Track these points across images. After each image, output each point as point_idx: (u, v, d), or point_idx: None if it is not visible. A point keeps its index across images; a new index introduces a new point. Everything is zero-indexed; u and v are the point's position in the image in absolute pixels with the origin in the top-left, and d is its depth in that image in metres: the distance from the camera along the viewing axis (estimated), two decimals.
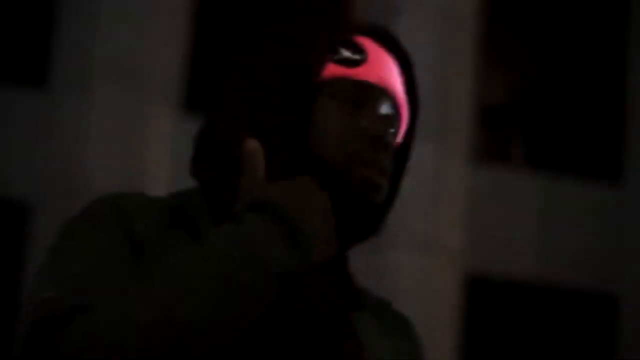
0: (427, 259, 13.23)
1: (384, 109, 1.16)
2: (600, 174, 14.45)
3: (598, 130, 14.63)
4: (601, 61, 14.87)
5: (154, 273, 1.01)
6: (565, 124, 14.57)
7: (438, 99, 13.67)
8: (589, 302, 14.14)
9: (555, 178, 14.21)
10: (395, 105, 1.18)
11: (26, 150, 13.85)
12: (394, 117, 1.17)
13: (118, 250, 1.08)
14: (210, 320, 0.96)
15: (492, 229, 13.93)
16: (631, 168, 14.33)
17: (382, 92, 1.17)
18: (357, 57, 1.18)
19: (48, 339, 0.99)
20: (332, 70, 1.15)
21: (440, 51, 13.74)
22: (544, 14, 14.72)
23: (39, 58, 14.21)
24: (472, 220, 13.87)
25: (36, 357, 1.00)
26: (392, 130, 1.17)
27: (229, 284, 0.98)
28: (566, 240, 14.02)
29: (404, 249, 13.23)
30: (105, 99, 13.25)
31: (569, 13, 14.91)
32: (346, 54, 1.17)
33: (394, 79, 1.20)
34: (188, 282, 0.97)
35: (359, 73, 1.17)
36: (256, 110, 1.14)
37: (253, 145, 1.08)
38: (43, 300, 1.05)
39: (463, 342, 13.55)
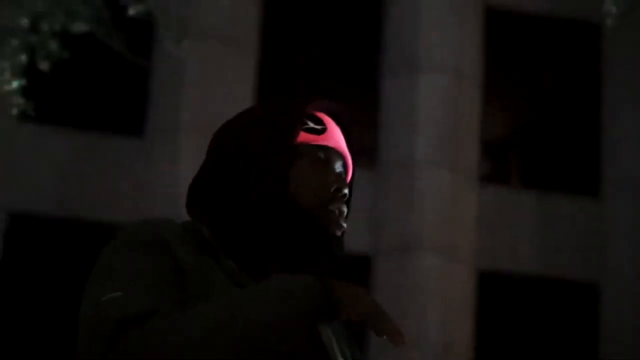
0: (447, 260, 15.30)
1: (339, 167, 1.37)
2: (583, 190, 16.39)
3: (580, 156, 16.44)
4: (579, 101, 16.65)
5: (214, 297, 1.18)
6: (553, 151, 16.41)
7: (452, 135, 15.67)
8: (576, 290, 16.18)
9: (547, 194, 16.21)
10: (345, 163, 1.40)
11: None
12: (345, 173, 1.40)
13: (166, 272, 1.19)
14: (260, 335, 1.10)
15: (497, 234, 15.87)
16: (607, 186, 16.44)
17: (338, 154, 1.37)
18: (319, 127, 1.36)
19: (129, 335, 1.10)
20: (302, 137, 1.33)
21: (453, 99, 15.78)
22: (534, 66, 16.66)
23: None
24: (482, 229, 15.73)
25: (122, 351, 1.10)
26: (346, 183, 1.37)
27: (287, 309, 1.12)
28: (557, 242, 15.95)
29: (429, 252, 15.26)
30: None
31: (553, 64, 16.80)
32: (312, 125, 1.36)
33: (343, 143, 1.41)
34: (244, 305, 1.12)
35: (322, 139, 1.36)
36: (250, 166, 1.31)
37: None
38: (111, 299, 1.15)
39: (475, 326, 15.52)
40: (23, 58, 11.15)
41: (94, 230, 15.47)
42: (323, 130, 1.39)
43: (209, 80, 15.50)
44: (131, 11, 11.49)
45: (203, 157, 14.73)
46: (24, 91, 15.13)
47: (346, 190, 1.36)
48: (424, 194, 15.46)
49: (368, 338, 15.14)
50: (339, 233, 1.36)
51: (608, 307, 15.79)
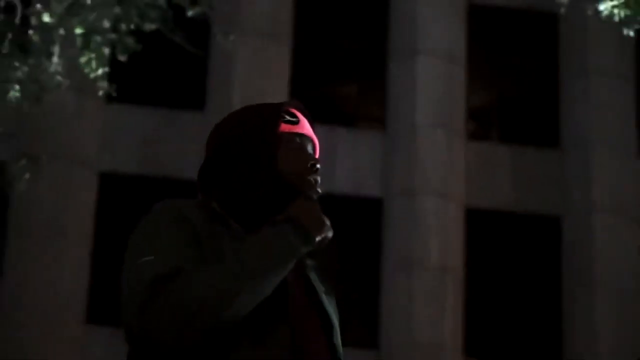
0: (443, 201, 16.50)
1: (310, 148, 1.53)
2: (546, 144, 17.24)
3: (544, 117, 17.50)
4: (542, 76, 17.58)
5: (227, 252, 1.31)
6: (523, 114, 17.47)
7: (444, 104, 16.92)
8: (542, 222, 17.14)
9: (519, 147, 17.18)
10: (314, 145, 1.56)
11: None
12: (314, 152, 1.55)
13: (188, 240, 1.31)
14: (263, 279, 1.25)
15: (481, 180, 16.94)
16: (565, 139, 17.28)
17: (309, 139, 1.53)
18: (295, 119, 1.52)
19: (161, 290, 1.20)
20: (283, 127, 1.49)
21: (445, 76, 17.08)
22: (507, 49, 17.63)
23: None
24: (469, 176, 16.88)
25: (155, 305, 1.20)
26: (318, 160, 1.52)
27: (275, 258, 1.27)
28: (527, 185, 16.89)
29: (429, 195, 16.36)
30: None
31: (522, 47, 17.70)
32: (289, 118, 1.51)
33: (311, 131, 1.58)
34: (250, 258, 1.25)
35: (297, 128, 1.51)
36: (247, 151, 1.46)
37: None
38: (146, 262, 1.25)
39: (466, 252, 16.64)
40: (106, 51, 11.64)
41: (167, 185, 16.55)
42: (297, 122, 1.51)
43: (251, 65, 16.73)
44: (189, 12, 12.19)
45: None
46: (108, 77, 15.55)
47: (319, 165, 1.49)
48: (424, 151, 16.87)
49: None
50: (315, 197, 1.46)
51: (568, 235, 16.80)
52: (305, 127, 1.53)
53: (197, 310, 1.18)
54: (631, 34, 9.56)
